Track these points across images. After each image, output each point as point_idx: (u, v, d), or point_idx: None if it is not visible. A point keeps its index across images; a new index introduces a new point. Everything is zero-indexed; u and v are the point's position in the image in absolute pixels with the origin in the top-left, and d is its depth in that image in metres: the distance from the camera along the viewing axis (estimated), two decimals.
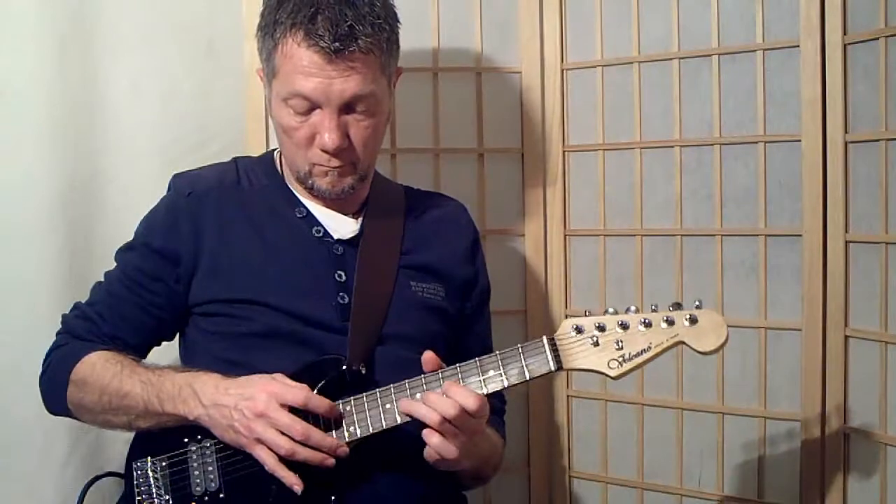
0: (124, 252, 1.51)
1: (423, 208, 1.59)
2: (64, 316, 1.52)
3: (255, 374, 1.36)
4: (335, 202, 1.49)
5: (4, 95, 1.67)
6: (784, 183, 1.73)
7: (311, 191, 1.46)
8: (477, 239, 1.62)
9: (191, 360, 1.49)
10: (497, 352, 1.32)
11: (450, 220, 1.61)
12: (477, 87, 1.94)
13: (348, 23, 1.33)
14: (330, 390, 1.35)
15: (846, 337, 1.67)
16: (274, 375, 1.32)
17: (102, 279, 1.52)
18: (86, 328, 1.48)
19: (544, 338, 1.31)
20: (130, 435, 1.44)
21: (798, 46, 1.68)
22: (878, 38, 1.58)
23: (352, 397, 1.34)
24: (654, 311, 1.29)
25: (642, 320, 1.28)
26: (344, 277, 1.45)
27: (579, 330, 1.30)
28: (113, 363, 1.42)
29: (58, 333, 1.51)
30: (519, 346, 1.32)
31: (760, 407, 1.78)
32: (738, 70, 1.76)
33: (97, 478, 1.46)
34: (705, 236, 1.82)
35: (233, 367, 1.39)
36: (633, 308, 1.30)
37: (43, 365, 1.49)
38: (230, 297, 1.43)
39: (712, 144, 1.79)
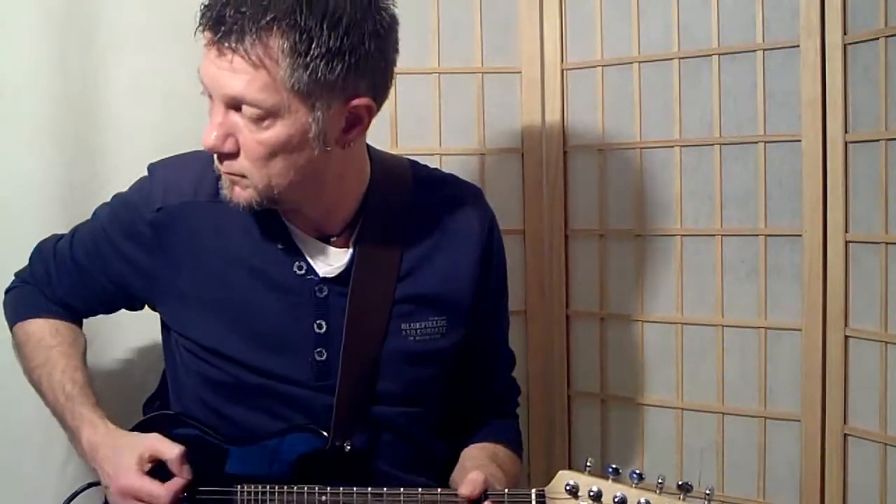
0: (100, 215, 1.44)
1: (432, 205, 1.41)
2: (40, 244, 1.50)
3: (235, 426, 1.33)
4: (318, 223, 1.33)
5: (4, 95, 1.67)
6: (784, 183, 1.73)
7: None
8: (492, 231, 1.44)
9: (177, 390, 1.43)
10: (486, 492, 1.22)
11: (462, 219, 1.42)
12: (477, 87, 1.94)
13: (239, 20, 1.12)
14: (307, 467, 1.29)
15: (846, 337, 1.67)
16: (138, 459, 1.26)
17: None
18: (42, 280, 1.46)
19: (534, 493, 1.21)
20: None
21: (798, 46, 1.68)
22: (878, 38, 1.58)
23: (329, 489, 1.26)
24: (659, 486, 1.19)
25: (640, 501, 1.18)
26: (324, 328, 1.32)
27: (573, 492, 1.19)
28: (43, 348, 1.41)
29: (30, 257, 1.50)
30: (506, 491, 1.24)
31: (760, 407, 1.78)
32: (738, 70, 1.76)
33: (78, 492, 1.44)
34: (705, 236, 1.82)
35: (214, 414, 1.36)
36: (636, 473, 1.20)
37: (11, 283, 1.52)
38: (198, 341, 1.35)
39: (712, 144, 1.79)
